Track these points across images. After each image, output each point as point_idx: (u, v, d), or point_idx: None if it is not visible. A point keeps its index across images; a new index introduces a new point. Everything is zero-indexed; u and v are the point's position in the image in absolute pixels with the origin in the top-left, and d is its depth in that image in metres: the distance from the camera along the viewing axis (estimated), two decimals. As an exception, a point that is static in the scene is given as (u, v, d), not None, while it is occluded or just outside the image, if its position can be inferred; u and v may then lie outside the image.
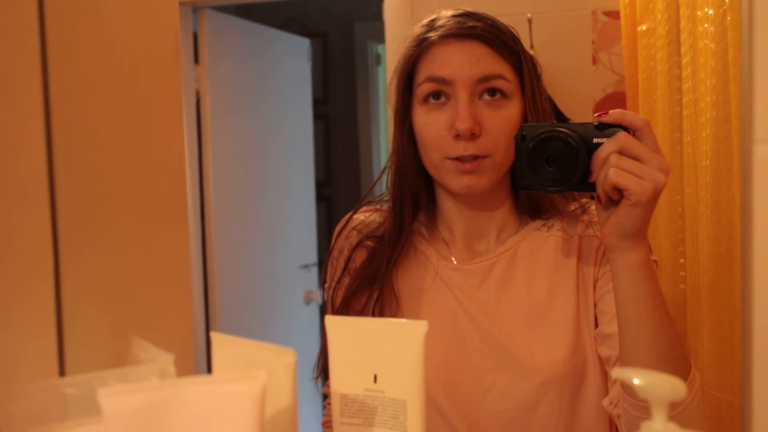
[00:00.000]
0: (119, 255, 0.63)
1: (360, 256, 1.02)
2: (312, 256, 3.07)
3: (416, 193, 1.00)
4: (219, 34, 2.47)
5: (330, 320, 0.67)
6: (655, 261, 0.94)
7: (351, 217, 1.07)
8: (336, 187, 3.64)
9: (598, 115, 0.82)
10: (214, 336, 0.57)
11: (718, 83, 1.28)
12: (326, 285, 1.06)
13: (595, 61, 1.96)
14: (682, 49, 1.45)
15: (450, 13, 0.95)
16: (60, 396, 0.46)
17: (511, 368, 0.92)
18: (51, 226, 0.56)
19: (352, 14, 3.52)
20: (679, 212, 1.48)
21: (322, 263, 3.49)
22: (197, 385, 0.44)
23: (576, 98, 2.03)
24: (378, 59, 3.59)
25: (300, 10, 3.52)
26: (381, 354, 0.64)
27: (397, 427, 0.63)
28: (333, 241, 1.06)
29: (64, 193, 0.58)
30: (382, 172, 1.04)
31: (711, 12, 1.30)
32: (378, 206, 1.06)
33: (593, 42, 1.95)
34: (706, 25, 1.32)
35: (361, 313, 0.98)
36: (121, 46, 0.71)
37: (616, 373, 0.54)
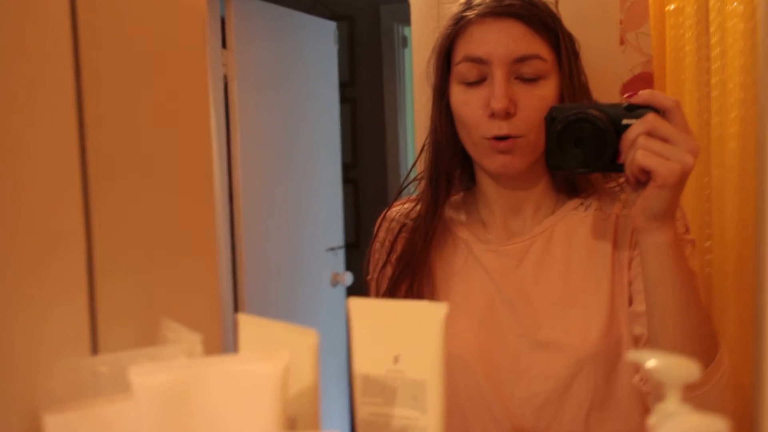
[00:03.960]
0: (149, 237, 0.65)
1: (400, 245, 1.03)
2: (339, 239, 3.09)
3: (451, 172, 1.02)
4: (246, 19, 2.48)
5: (352, 302, 0.68)
6: (692, 240, 0.94)
7: (389, 209, 1.08)
8: (362, 170, 3.65)
9: (627, 96, 0.83)
10: (241, 317, 0.59)
11: (746, 63, 1.27)
12: (369, 277, 1.07)
13: (622, 41, 1.94)
14: (711, 29, 1.43)
15: None
16: (93, 373, 0.49)
17: (547, 349, 0.93)
18: (83, 207, 0.58)
19: (378, -4, 3.52)
20: (706, 194, 1.47)
21: (349, 246, 3.52)
22: (222, 365, 0.46)
23: (603, 79, 2.01)
24: (404, 41, 3.58)
25: (326, -7, 3.52)
26: (402, 335, 0.66)
27: (417, 407, 0.65)
28: (374, 233, 1.08)
29: (95, 175, 0.60)
30: (421, 151, 1.05)
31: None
32: (414, 197, 1.07)
33: (621, 22, 1.92)
34: (735, 4, 1.30)
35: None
36: (150, 33, 0.73)
37: (632, 355, 0.54)
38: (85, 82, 0.62)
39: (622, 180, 1.00)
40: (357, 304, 0.68)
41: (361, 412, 0.67)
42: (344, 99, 3.40)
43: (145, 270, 0.62)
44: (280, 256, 2.72)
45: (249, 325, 0.57)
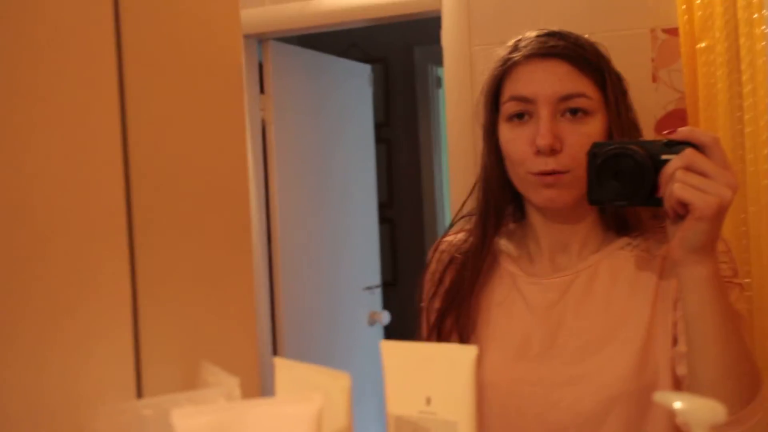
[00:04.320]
0: (190, 281, 0.68)
1: (450, 277, 1.06)
2: (375, 278, 3.11)
3: (501, 207, 1.05)
4: (283, 64, 2.56)
5: (384, 345, 0.70)
6: (740, 284, 0.94)
7: (441, 240, 1.11)
8: (398, 209, 3.68)
9: (667, 133, 0.85)
10: (277, 361, 0.61)
11: (778, 101, 1.27)
12: (421, 304, 1.10)
13: (655, 78, 1.95)
14: (742, 66, 1.44)
15: (534, 33, 1.00)
16: (138, 416, 0.51)
17: (580, 383, 0.93)
18: (129, 252, 0.62)
19: (411, 38, 3.58)
20: (743, 231, 1.46)
21: (386, 285, 3.53)
22: (259, 407, 0.48)
23: (637, 116, 2.02)
24: (438, 82, 3.63)
25: (361, 37, 3.60)
26: (434, 377, 0.68)
27: (450, 447, 0.66)
28: (427, 262, 1.11)
29: (139, 224, 0.64)
30: (473, 188, 1.09)
31: (768, 30, 1.29)
32: (467, 227, 1.10)
33: (653, 60, 1.94)
34: (764, 43, 1.31)
35: (450, 332, 1.02)
36: (191, 79, 0.76)
37: (659, 396, 0.55)
38: (131, 130, 0.66)
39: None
40: (389, 346, 0.70)
41: (395, 453, 0.69)
42: (380, 139, 3.45)
43: (187, 314, 0.65)
44: (318, 295, 2.74)
45: (285, 368, 0.59)
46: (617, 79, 0.98)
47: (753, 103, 1.38)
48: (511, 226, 1.08)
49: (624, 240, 1.00)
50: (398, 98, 3.72)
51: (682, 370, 0.90)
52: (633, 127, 1.00)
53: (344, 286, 2.90)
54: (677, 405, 0.53)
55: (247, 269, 0.70)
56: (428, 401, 0.67)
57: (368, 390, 2.72)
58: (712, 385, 0.81)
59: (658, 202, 0.83)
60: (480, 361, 1.01)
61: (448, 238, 1.10)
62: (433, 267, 1.09)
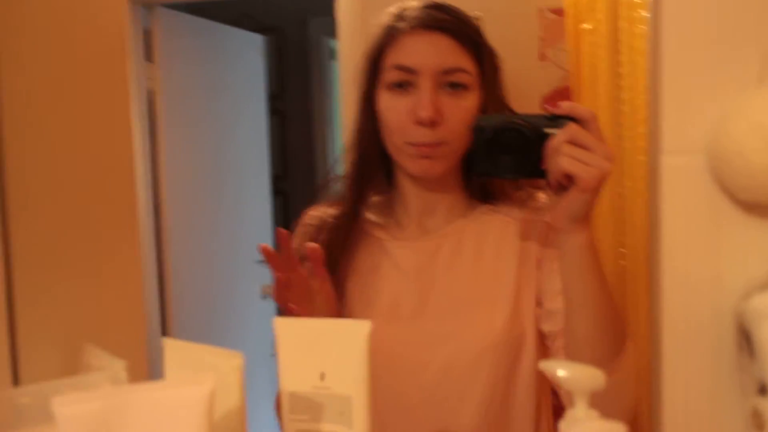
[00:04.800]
0: (70, 261, 0.65)
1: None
2: (269, 251, 3.07)
3: (373, 173, 1.06)
4: (172, 32, 2.45)
5: (278, 321, 0.70)
6: None
7: (306, 213, 1.11)
8: (292, 182, 3.65)
9: (548, 107, 0.88)
10: (166, 342, 0.59)
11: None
12: None
13: (542, 56, 2.00)
14: (622, 48, 1.50)
15: (419, 3, 0.99)
16: (14, 405, 0.48)
17: (450, 341, 0.97)
18: (1, 232, 0.58)
19: (305, 10, 3.52)
20: (619, 204, 1.54)
21: (280, 258, 3.47)
22: (147, 391, 0.46)
23: (525, 92, 2.07)
24: (332, 54, 3.60)
25: (253, 6, 3.51)
26: (327, 353, 0.68)
27: (343, 422, 0.67)
28: (293, 236, 1.10)
29: (13, 199, 0.60)
30: (344, 152, 1.08)
31: (647, 15, 1.35)
32: (332, 200, 1.09)
33: (541, 38, 1.99)
34: (643, 26, 1.38)
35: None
36: (71, 46, 0.72)
37: (543, 365, 0.58)
38: (2, 101, 0.61)
39: (530, 189, 1.05)
40: (283, 323, 0.70)
41: (289, 429, 0.69)
42: (273, 111, 3.39)
43: (67, 295, 0.62)
44: (210, 269, 2.69)
45: (175, 349, 0.58)
46: (493, 56, 1.01)
47: (631, 83, 1.46)
48: (375, 198, 1.09)
49: (487, 207, 1.05)
50: (292, 70, 3.66)
51: (547, 326, 0.96)
52: (504, 104, 1.04)
53: (236, 260, 2.85)
54: (560, 373, 0.56)
55: (133, 246, 0.67)
56: (322, 376, 0.68)
57: (261, 364, 2.70)
58: (591, 341, 0.87)
59: (543, 174, 0.86)
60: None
61: (313, 212, 1.11)
62: (298, 241, 1.08)
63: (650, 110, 0.49)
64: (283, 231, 0.91)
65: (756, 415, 0.45)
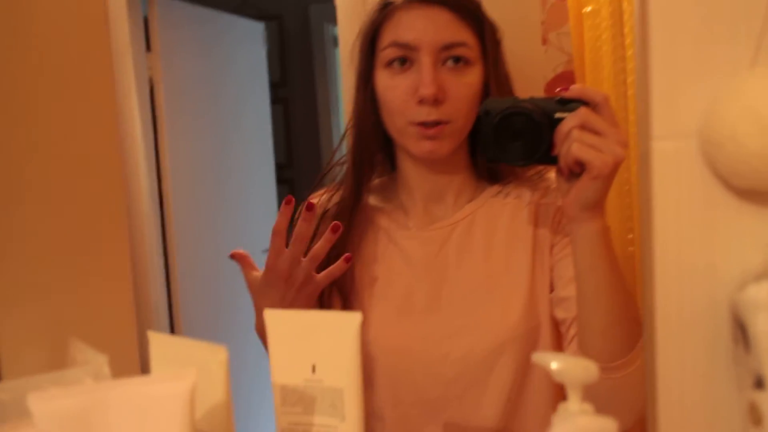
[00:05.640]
0: (54, 251, 0.64)
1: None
2: (274, 241, 3.07)
3: (373, 157, 1.02)
4: (171, 20, 2.44)
5: (268, 313, 0.69)
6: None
7: (307, 200, 1.08)
8: (297, 170, 3.64)
9: (559, 90, 0.85)
10: (151, 335, 0.59)
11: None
12: None
13: (545, 41, 1.98)
14: (625, 30, 1.48)
15: None
16: (-6, 402, 0.48)
17: (467, 334, 0.94)
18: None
19: (306, -4, 3.51)
20: (627, 190, 1.52)
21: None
22: (126, 387, 0.46)
23: (527, 78, 2.04)
24: (334, 41, 3.58)
25: (254, -7, 3.49)
26: (319, 345, 0.67)
27: (336, 414, 0.66)
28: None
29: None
30: (342, 138, 1.05)
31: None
32: (333, 186, 1.07)
33: (543, 22, 1.97)
34: (644, 8, 1.35)
35: (330, 294, 1.00)
36: (69, 36, 0.71)
37: (536, 358, 0.56)
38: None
39: (541, 168, 1.02)
40: (273, 315, 0.69)
41: (281, 422, 0.68)
42: (276, 99, 3.38)
43: (52, 287, 0.61)
44: (214, 259, 2.68)
45: (159, 343, 0.57)
46: (493, 30, 0.98)
47: (635, 66, 1.43)
48: (377, 181, 1.06)
49: (496, 187, 1.01)
50: (294, 57, 3.64)
51: (560, 313, 0.93)
52: (507, 79, 1.01)
53: (242, 248, 2.85)
54: (553, 365, 0.55)
55: (121, 237, 0.66)
56: (314, 369, 0.67)
57: (262, 357, 2.70)
58: (603, 333, 0.84)
59: (554, 160, 0.84)
60: (364, 321, 1.01)
61: (314, 199, 1.08)
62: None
63: (638, 94, 0.47)
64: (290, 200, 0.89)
65: (753, 409, 0.43)
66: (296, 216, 1.07)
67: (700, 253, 0.45)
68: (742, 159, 0.41)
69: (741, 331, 0.44)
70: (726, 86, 0.42)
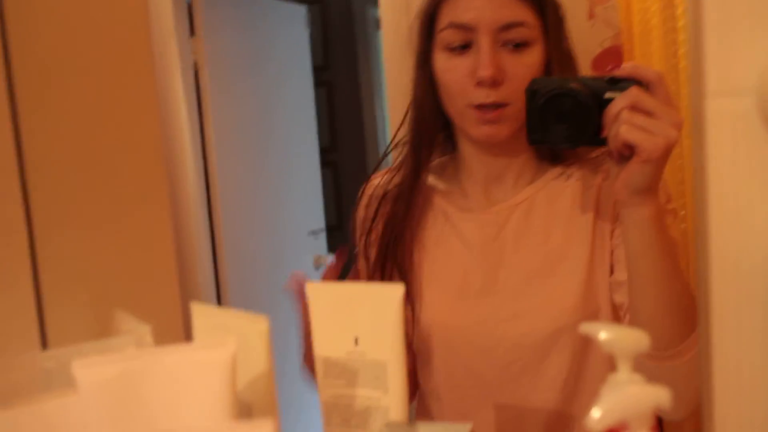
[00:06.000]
0: (96, 223, 0.64)
1: (382, 217, 1.03)
2: (320, 222, 3.08)
3: (433, 139, 1.01)
4: (214, 5, 2.46)
5: (310, 287, 0.68)
6: (673, 210, 0.94)
7: (367, 184, 1.08)
8: (341, 153, 3.64)
9: (610, 69, 0.82)
10: (194, 306, 0.59)
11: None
12: (356, 250, 1.07)
13: (591, 15, 1.93)
14: (676, 1, 1.43)
15: None
16: (41, 369, 0.48)
17: (523, 318, 0.93)
18: (22, 194, 0.57)
19: (349, -22, 3.49)
20: (679, 164, 1.48)
21: (330, 229, 3.51)
22: (168, 355, 0.46)
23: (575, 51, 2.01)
24: (377, 23, 3.56)
25: (296, -23, 3.49)
26: (361, 317, 0.66)
27: (379, 386, 0.65)
28: (355, 207, 1.08)
29: (33, 160, 0.59)
30: (403, 119, 1.04)
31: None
32: (393, 167, 1.06)
33: (589, -4, 1.92)
34: (697, -25, 1.30)
35: (391, 275, 1.00)
36: (114, 21, 0.71)
37: (584, 327, 0.55)
38: (18, 76, 0.60)
39: (605, 149, 0.99)
40: (315, 288, 0.68)
41: (324, 394, 0.68)
42: (319, 83, 3.38)
43: (95, 257, 0.61)
44: (261, 241, 2.71)
45: (202, 314, 0.57)
46: (555, 7, 0.95)
47: (687, 37, 1.38)
48: (438, 161, 1.05)
49: (558, 169, 0.99)
50: (337, 41, 3.63)
51: (618, 297, 0.91)
52: (570, 57, 0.98)
53: (288, 231, 2.87)
54: (602, 336, 0.53)
55: (163, 210, 0.67)
56: (356, 341, 0.66)
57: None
58: (654, 320, 0.81)
59: (603, 143, 0.80)
60: (422, 302, 0.99)
61: (375, 181, 1.07)
62: (362, 213, 1.06)
63: (692, 47, 0.45)
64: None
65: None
66: (357, 203, 1.07)
67: (756, 211, 0.43)
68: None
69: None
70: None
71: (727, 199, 0.43)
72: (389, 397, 0.65)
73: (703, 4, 0.42)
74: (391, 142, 1.07)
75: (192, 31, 2.37)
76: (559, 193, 0.97)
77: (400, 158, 1.04)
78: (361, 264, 1.05)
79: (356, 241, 1.07)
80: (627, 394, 0.43)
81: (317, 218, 3.07)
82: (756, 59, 0.41)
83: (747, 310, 0.45)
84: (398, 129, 1.04)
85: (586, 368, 0.93)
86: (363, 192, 1.08)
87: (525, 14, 0.91)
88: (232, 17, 2.58)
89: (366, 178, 1.10)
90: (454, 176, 1.04)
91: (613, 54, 1.92)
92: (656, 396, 0.43)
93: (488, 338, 0.94)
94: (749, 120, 0.42)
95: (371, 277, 1.03)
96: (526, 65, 0.91)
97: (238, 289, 2.53)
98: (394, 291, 0.65)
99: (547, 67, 0.93)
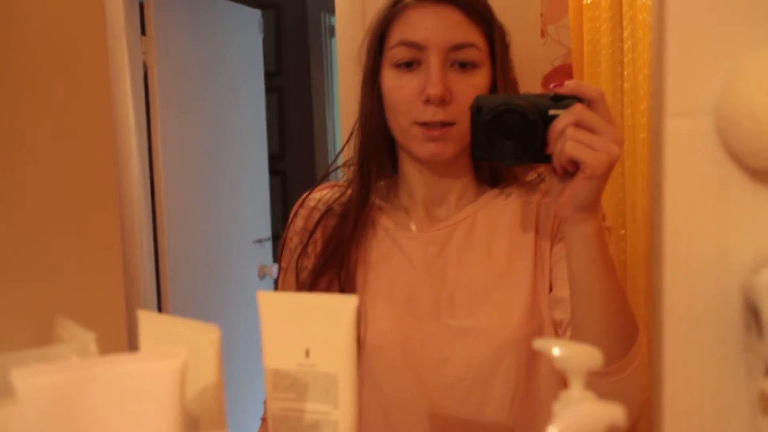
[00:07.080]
0: (42, 228, 0.62)
1: (321, 236, 1.02)
2: (266, 231, 3.05)
3: (381, 157, 1.01)
4: (167, 5, 2.41)
5: (261, 296, 0.67)
6: (608, 228, 0.96)
7: (308, 195, 1.07)
8: (290, 161, 3.62)
9: (553, 86, 0.83)
10: (141, 314, 0.57)
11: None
12: (283, 265, 1.05)
13: (543, 33, 1.97)
14: (624, 22, 1.47)
15: None
16: (-25, 378, 0.46)
17: (470, 336, 0.93)
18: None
19: (304, -15, 3.48)
20: (620, 184, 1.51)
21: (276, 238, 3.48)
22: (113, 365, 0.44)
23: (525, 71, 2.04)
24: (332, 31, 3.56)
25: (251, -19, 3.46)
26: (313, 329, 0.65)
27: (329, 400, 0.64)
28: (290, 220, 1.06)
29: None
30: (350, 136, 1.04)
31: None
32: (334, 183, 1.06)
33: (542, 15, 1.96)
34: (645, -1, 1.34)
35: (326, 291, 0.99)
36: (63, 19, 0.69)
37: (538, 343, 0.55)
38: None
39: (541, 170, 1.01)
40: (266, 297, 0.67)
41: (273, 407, 0.66)
42: (271, 89, 3.35)
43: (39, 263, 0.59)
44: (206, 248, 2.66)
45: (149, 322, 0.55)
46: (502, 32, 0.97)
47: (632, 58, 1.42)
48: (379, 183, 1.05)
49: (496, 190, 1.01)
50: (290, 47, 3.61)
51: (558, 314, 0.92)
52: (514, 83, 1.00)
53: (234, 239, 2.83)
54: (555, 351, 0.53)
55: (111, 219, 0.64)
56: (307, 353, 0.65)
57: (258, 343, 2.68)
58: (597, 336, 0.82)
59: (547, 159, 0.80)
60: (366, 320, 0.99)
61: (316, 195, 1.06)
62: (301, 224, 1.04)
63: (654, 69, 0.45)
64: None
65: (764, 398, 0.42)
66: (291, 217, 1.05)
67: (712, 236, 0.44)
68: (759, 137, 0.40)
69: (753, 317, 0.43)
70: (744, 61, 0.41)
71: (683, 214, 0.44)
72: (339, 411, 0.64)
73: (666, 27, 0.43)
74: (336, 158, 1.07)
75: (143, 30, 2.33)
76: (500, 211, 0.99)
77: (346, 176, 1.04)
78: (282, 281, 1.04)
79: (283, 248, 1.06)
80: (583, 412, 0.43)
81: (263, 227, 3.04)
82: (714, 81, 0.42)
83: (699, 341, 0.45)
84: (344, 146, 1.05)
85: (533, 385, 0.94)
86: (303, 203, 1.07)
87: (475, 36, 0.93)
88: (184, 18, 2.54)
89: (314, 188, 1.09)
90: (394, 196, 1.04)
91: (564, 72, 1.96)
92: (611, 413, 0.43)
93: (436, 358, 0.94)
94: (707, 141, 0.43)
95: (300, 288, 1.02)
96: (474, 86, 0.92)
97: (181, 297, 2.48)
98: (348, 303, 0.64)
99: (492, 90, 0.95)
